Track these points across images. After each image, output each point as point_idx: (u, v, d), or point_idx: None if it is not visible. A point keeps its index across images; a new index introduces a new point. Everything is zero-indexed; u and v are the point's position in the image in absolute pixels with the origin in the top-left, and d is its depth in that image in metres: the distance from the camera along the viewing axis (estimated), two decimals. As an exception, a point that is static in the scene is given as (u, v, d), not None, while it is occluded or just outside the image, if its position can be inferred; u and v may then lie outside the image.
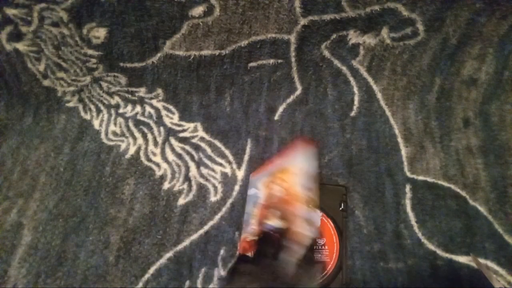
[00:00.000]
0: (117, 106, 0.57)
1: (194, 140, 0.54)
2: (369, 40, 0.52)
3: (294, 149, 0.47)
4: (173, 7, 0.48)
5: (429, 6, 0.47)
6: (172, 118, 0.56)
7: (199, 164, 0.52)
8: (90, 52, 0.53)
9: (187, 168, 0.51)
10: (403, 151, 0.52)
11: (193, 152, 0.53)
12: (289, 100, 0.56)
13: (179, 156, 0.52)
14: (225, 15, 0.49)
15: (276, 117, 0.55)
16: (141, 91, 0.57)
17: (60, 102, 0.57)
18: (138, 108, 0.57)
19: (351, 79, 0.55)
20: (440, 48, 0.52)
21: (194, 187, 0.50)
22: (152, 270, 0.44)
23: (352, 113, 0.55)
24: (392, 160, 0.51)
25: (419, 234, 0.46)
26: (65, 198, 0.49)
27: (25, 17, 0.50)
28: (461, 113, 0.55)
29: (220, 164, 0.52)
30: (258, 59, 0.54)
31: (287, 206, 0.42)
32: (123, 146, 0.54)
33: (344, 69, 0.55)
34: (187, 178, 0.51)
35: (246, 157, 0.52)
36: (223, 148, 0.53)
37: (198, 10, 0.49)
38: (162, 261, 0.45)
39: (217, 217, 0.48)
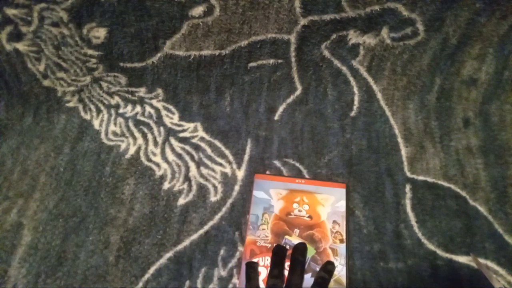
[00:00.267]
0: (117, 106, 0.57)
1: (194, 140, 0.54)
2: (369, 40, 0.52)
3: (327, 183, 0.49)
4: (173, 7, 0.48)
5: (429, 6, 0.47)
6: (172, 118, 0.56)
7: (199, 164, 0.52)
8: (90, 52, 0.53)
9: (187, 168, 0.51)
10: (403, 151, 0.52)
11: (193, 152, 0.53)
12: (289, 100, 0.56)
13: (179, 156, 0.52)
14: (225, 15, 0.49)
15: (276, 117, 0.55)
16: (141, 91, 0.57)
17: (60, 102, 0.57)
18: (138, 108, 0.57)
19: (351, 79, 0.55)
20: (440, 48, 0.52)
21: (194, 187, 0.50)
22: (152, 270, 0.44)
23: (352, 113, 0.55)
24: (392, 160, 0.51)
25: (419, 234, 0.46)
26: (65, 198, 0.49)
27: (25, 17, 0.50)
28: (461, 113, 0.55)
29: (220, 164, 0.52)
30: (258, 59, 0.54)
31: (311, 230, 0.45)
32: (123, 146, 0.54)
33: (344, 69, 0.55)
34: (187, 178, 0.51)
35: (246, 157, 0.52)
36: (223, 148, 0.53)
37: (198, 10, 0.49)
38: (162, 261, 0.45)
39: (217, 217, 0.48)
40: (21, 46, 0.53)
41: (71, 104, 0.57)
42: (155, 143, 0.54)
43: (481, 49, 0.52)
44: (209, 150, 0.53)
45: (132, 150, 0.53)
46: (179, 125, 0.55)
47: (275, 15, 0.49)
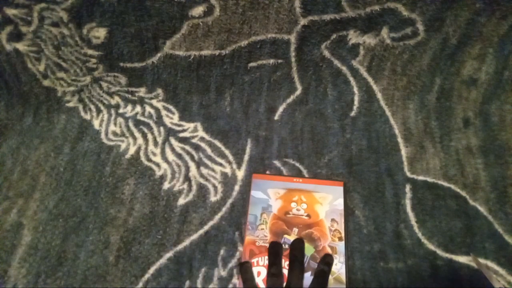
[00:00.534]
0: (117, 106, 0.57)
1: (194, 140, 0.54)
2: (369, 40, 0.52)
3: (324, 181, 0.49)
4: (173, 7, 0.48)
5: (429, 6, 0.47)
6: (172, 118, 0.56)
7: (199, 164, 0.52)
8: (90, 52, 0.53)
9: (187, 168, 0.51)
10: (403, 151, 0.52)
11: (193, 152, 0.53)
12: (289, 100, 0.56)
13: (179, 156, 0.52)
14: (225, 15, 0.49)
15: (276, 117, 0.55)
16: (141, 91, 0.57)
17: (60, 102, 0.57)
18: (138, 108, 0.57)
19: (351, 79, 0.55)
20: (440, 48, 0.52)
21: (194, 187, 0.50)
22: (152, 270, 0.44)
23: (352, 113, 0.55)
24: (392, 160, 0.51)
25: (419, 234, 0.46)
26: (65, 198, 0.49)
27: (25, 17, 0.50)
28: (461, 113, 0.55)
29: (220, 164, 0.52)
30: (258, 59, 0.54)
31: (310, 229, 0.45)
32: (123, 146, 0.54)
33: (344, 69, 0.55)
34: (187, 178, 0.51)
35: (246, 157, 0.52)
36: (223, 148, 0.53)
37: (198, 10, 0.49)
38: (162, 261, 0.45)
39: (217, 217, 0.48)
40: (21, 46, 0.53)
41: (71, 104, 0.57)
42: (155, 143, 0.54)
43: (481, 49, 0.52)
44: (209, 150, 0.53)
45: (132, 150, 0.53)
46: (179, 125, 0.55)
47: (275, 15, 0.49)
